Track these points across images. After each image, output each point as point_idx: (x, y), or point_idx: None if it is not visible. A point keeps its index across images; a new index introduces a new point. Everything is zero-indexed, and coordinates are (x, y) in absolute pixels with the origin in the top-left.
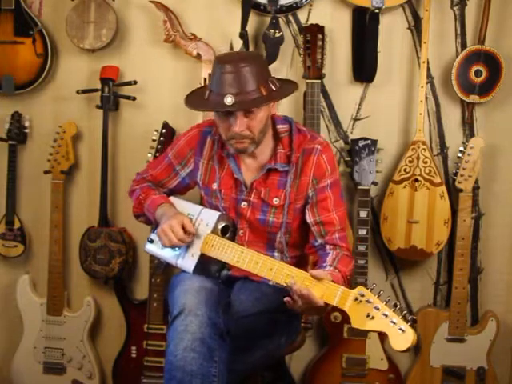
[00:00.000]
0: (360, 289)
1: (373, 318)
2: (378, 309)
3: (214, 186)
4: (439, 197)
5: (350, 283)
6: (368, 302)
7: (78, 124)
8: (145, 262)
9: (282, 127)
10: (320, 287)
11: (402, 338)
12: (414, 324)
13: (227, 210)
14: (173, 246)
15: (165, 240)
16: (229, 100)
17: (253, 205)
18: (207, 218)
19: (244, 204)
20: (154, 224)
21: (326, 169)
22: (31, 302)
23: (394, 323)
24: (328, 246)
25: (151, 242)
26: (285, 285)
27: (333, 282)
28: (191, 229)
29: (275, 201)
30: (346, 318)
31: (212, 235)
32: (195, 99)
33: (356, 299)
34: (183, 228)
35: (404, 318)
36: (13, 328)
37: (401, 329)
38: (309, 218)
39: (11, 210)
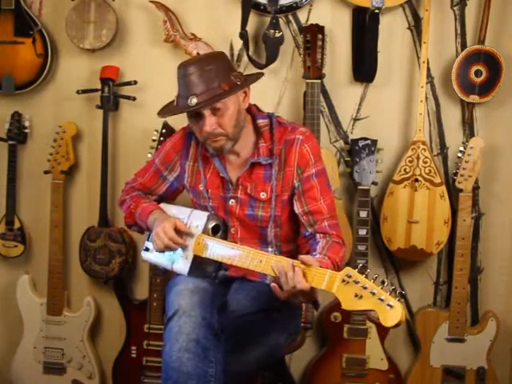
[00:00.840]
0: (347, 270)
1: (361, 297)
2: (365, 288)
3: (201, 187)
4: (439, 197)
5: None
6: (355, 282)
7: (78, 124)
8: (145, 262)
9: (262, 122)
10: (308, 273)
11: (390, 313)
12: (402, 298)
13: (216, 209)
14: (166, 248)
15: (158, 243)
16: (193, 101)
17: (240, 201)
18: (197, 220)
19: (232, 201)
20: (147, 232)
21: (310, 158)
22: (31, 302)
23: (382, 300)
24: (318, 235)
25: (146, 250)
26: (273, 275)
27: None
28: (184, 228)
29: (262, 195)
30: (346, 317)
31: (203, 236)
32: (166, 107)
33: (343, 281)
34: (176, 229)
35: (392, 293)
36: (13, 328)
37: (389, 305)
38: (297, 209)
39: (11, 210)
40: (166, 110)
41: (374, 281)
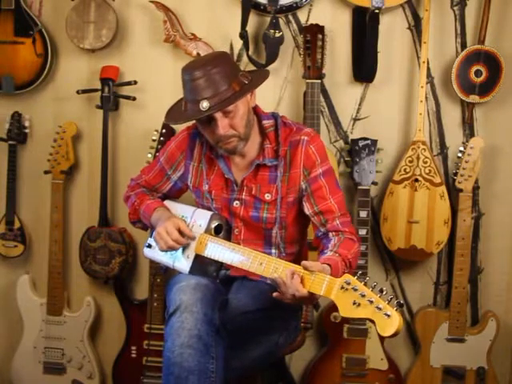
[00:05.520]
0: (346, 277)
1: (359, 305)
2: (363, 296)
3: (205, 188)
4: (439, 197)
5: (353, 266)
6: (354, 289)
7: (78, 124)
8: (145, 262)
9: (267, 122)
10: (307, 278)
11: (387, 323)
12: (400, 308)
13: (219, 211)
14: (169, 249)
15: (161, 243)
16: (204, 105)
17: (245, 202)
18: (200, 219)
19: (236, 203)
20: (150, 229)
21: (316, 158)
22: (31, 302)
23: (380, 309)
24: (330, 234)
25: (149, 246)
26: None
27: (329, 265)
28: (187, 231)
29: (267, 196)
30: (345, 318)
31: (205, 235)
32: (174, 113)
33: (342, 287)
34: (179, 231)
35: (390, 302)
36: (13, 328)
37: (386, 314)
38: (307, 210)
39: (11, 210)
40: (177, 117)
41: (372, 289)
